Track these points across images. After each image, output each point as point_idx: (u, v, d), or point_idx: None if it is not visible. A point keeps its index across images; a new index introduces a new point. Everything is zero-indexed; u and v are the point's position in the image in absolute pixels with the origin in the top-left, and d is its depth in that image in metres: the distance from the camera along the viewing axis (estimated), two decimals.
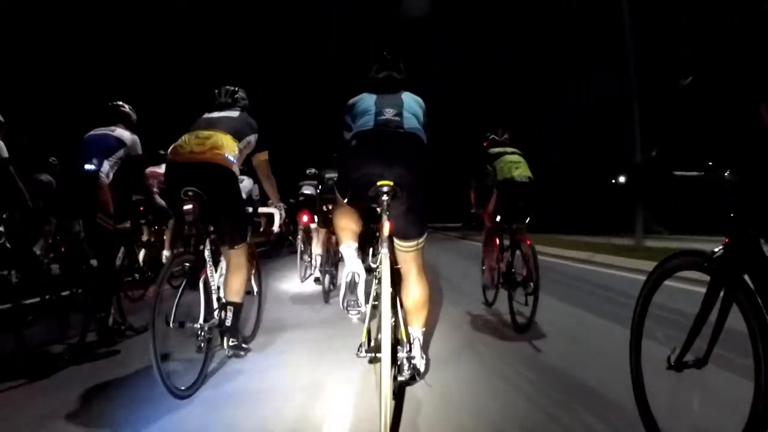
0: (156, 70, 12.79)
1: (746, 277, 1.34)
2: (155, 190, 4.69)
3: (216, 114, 2.81)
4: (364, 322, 1.95)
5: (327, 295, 4.82)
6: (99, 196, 3.08)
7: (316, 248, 5.56)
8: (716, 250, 1.42)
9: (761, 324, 1.25)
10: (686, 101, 1.49)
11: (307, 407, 2.15)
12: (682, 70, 1.47)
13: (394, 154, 1.98)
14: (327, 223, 5.31)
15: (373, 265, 2.16)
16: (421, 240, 2.15)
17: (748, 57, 1.30)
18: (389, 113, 2.11)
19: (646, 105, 10.65)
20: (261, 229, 7.87)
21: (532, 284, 3.30)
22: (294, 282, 6.29)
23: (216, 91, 2.94)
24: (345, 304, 1.98)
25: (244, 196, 3.94)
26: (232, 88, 2.95)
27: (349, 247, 2.17)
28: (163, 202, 4.79)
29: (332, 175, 4.74)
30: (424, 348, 2.16)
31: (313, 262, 5.90)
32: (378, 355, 1.78)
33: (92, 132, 3.31)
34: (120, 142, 3.26)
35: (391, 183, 1.91)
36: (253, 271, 3.16)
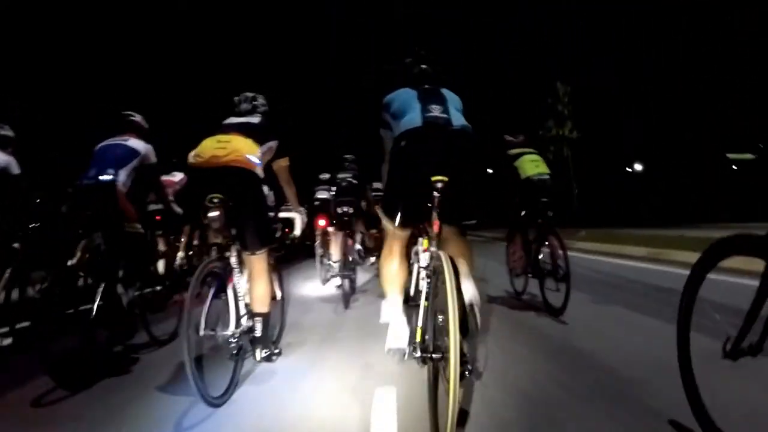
0: (155, 72, 12.82)
1: None
2: (171, 198, 4.70)
3: (236, 120, 2.81)
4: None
5: (348, 300, 4.72)
6: (120, 205, 3.03)
7: (335, 250, 5.55)
8: None
9: None
10: None
11: (353, 409, 2.12)
12: None
13: (449, 153, 1.97)
14: (342, 226, 5.31)
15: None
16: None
17: None
18: (436, 110, 2.06)
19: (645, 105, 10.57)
20: (277, 235, 7.89)
21: (561, 271, 3.52)
22: (315, 284, 6.37)
23: (236, 98, 2.93)
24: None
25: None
26: (252, 94, 2.94)
27: (395, 308, 2.11)
28: (179, 210, 4.80)
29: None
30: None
31: (332, 264, 5.91)
32: (435, 355, 1.74)
33: (104, 142, 3.24)
34: (134, 152, 3.19)
35: (446, 178, 1.90)
36: (275, 277, 3.14)
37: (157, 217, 4.79)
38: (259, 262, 2.59)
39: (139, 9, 13.34)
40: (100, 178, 2.99)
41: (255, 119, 2.80)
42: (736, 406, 1.73)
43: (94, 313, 2.65)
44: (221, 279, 2.48)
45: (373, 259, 7.27)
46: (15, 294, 3.74)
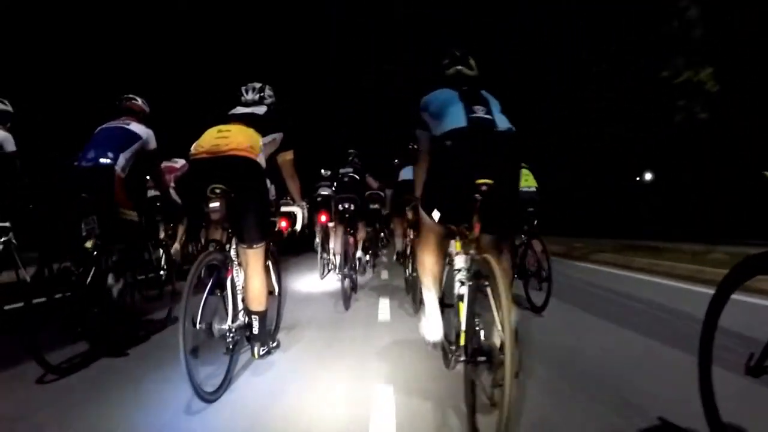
0: (155, 72, 12.69)
1: None
2: (172, 185, 4.62)
3: (241, 110, 2.74)
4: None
5: (348, 300, 4.53)
6: (116, 190, 2.89)
7: (336, 246, 5.52)
8: None
9: None
10: None
11: (351, 406, 2.05)
12: None
13: (494, 155, 1.95)
14: (343, 222, 5.25)
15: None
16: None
17: None
18: (480, 111, 2.01)
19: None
20: (276, 229, 7.86)
21: (544, 273, 3.97)
22: (314, 279, 6.33)
23: (243, 87, 2.85)
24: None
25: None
26: (259, 84, 2.86)
27: (433, 299, 2.16)
28: (177, 199, 4.71)
29: (407, 178, 4.75)
30: None
31: (332, 259, 6.01)
32: (480, 358, 1.69)
33: (105, 125, 3.11)
34: (135, 136, 3.08)
35: (491, 181, 1.86)
36: (273, 271, 3.06)
37: (158, 204, 4.72)
38: (255, 257, 2.48)
39: (139, 9, 13.22)
40: (100, 161, 2.87)
41: (261, 110, 2.73)
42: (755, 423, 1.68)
43: (83, 298, 2.58)
44: (219, 272, 2.41)
45: (371, 272, 7.32)
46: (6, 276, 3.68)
